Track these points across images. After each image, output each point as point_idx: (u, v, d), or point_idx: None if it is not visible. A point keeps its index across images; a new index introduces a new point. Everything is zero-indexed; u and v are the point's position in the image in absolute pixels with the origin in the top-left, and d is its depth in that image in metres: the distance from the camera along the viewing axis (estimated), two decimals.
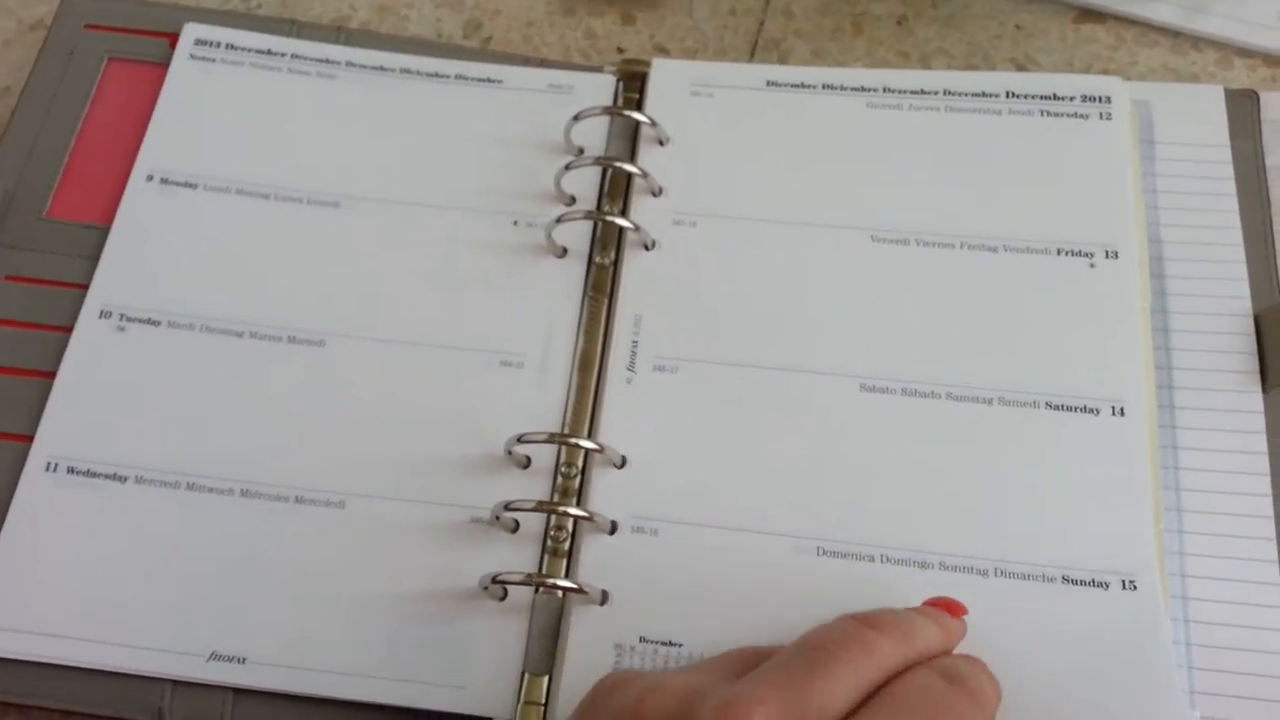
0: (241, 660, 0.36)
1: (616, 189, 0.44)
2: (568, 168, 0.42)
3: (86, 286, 0.41)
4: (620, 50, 0.48)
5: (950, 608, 0.34)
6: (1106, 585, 0.35)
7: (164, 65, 0.45)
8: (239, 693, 0.36)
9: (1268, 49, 0.46)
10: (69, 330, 0.40)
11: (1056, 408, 0.38)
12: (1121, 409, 0.38)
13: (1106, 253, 0.40)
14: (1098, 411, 0.38)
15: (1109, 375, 0.39)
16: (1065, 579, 0.35)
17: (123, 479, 0.38)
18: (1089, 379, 0.38)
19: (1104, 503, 0.37)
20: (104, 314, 0.41)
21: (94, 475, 0.38)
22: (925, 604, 0.34)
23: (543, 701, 0.35)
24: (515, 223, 0.43)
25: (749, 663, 0.30)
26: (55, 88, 0.45)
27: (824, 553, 0.36)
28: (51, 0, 0.48)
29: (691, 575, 0.36)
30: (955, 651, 0.33)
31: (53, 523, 0.38)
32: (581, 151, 0.44)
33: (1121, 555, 0.36)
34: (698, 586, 0.36)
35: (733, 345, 0.40)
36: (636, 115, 0.43)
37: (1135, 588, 0.35)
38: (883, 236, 0.42)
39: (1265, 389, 0.39)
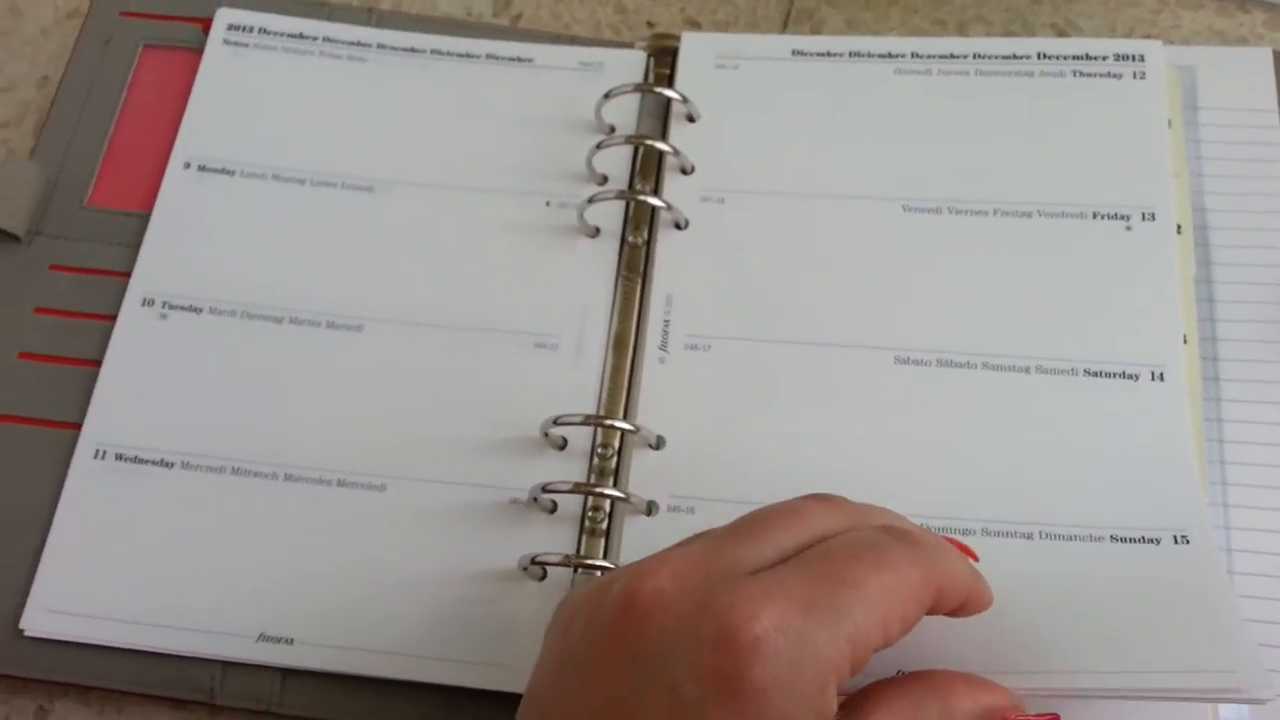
0: (290, 641, 0.36)
1: (648, 167, 0.43)
2: (599, 146, 0.42)
3: (128, 274, 0.42)
4: (650, 25, 0.48)
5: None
6: (1158, 540, 0.35)
7: (198, 51, 0.45)
8: (287, 673, 0.36)
9: None
10: (113, 319, 0.41)
11: (1095, 374, 0.38)
12: (1161, 374, 0.37)
13: (1144, 214, 0.40)
14: (1137, 377, 0.37)
15: (1147, 340, 0.38)
16: (1114, 538, 0.35)
17: (169, 465, 0.39)
18: (1127, 345, 0.38)
19: (1148, 467, 0.36)
20: (146, 302, 0.41)
21: (141, 462, 0.39)
22: None
23: None
24: (548, 203, 0.43)
25: None
26: (92, 76, 0.45)
27: None
28: None
29: None
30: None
31: (102, 509, 0.38)
32: (613, 130, 0.44)
33: (1170, 512, 0.35)
34: None
35: (763, 322, 0.40)
36: (667, 92, 0.43)
37: (1188, 541, 0.35)
38: (915, 206, 0.41)
39: None
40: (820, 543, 0.28)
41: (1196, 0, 0.45)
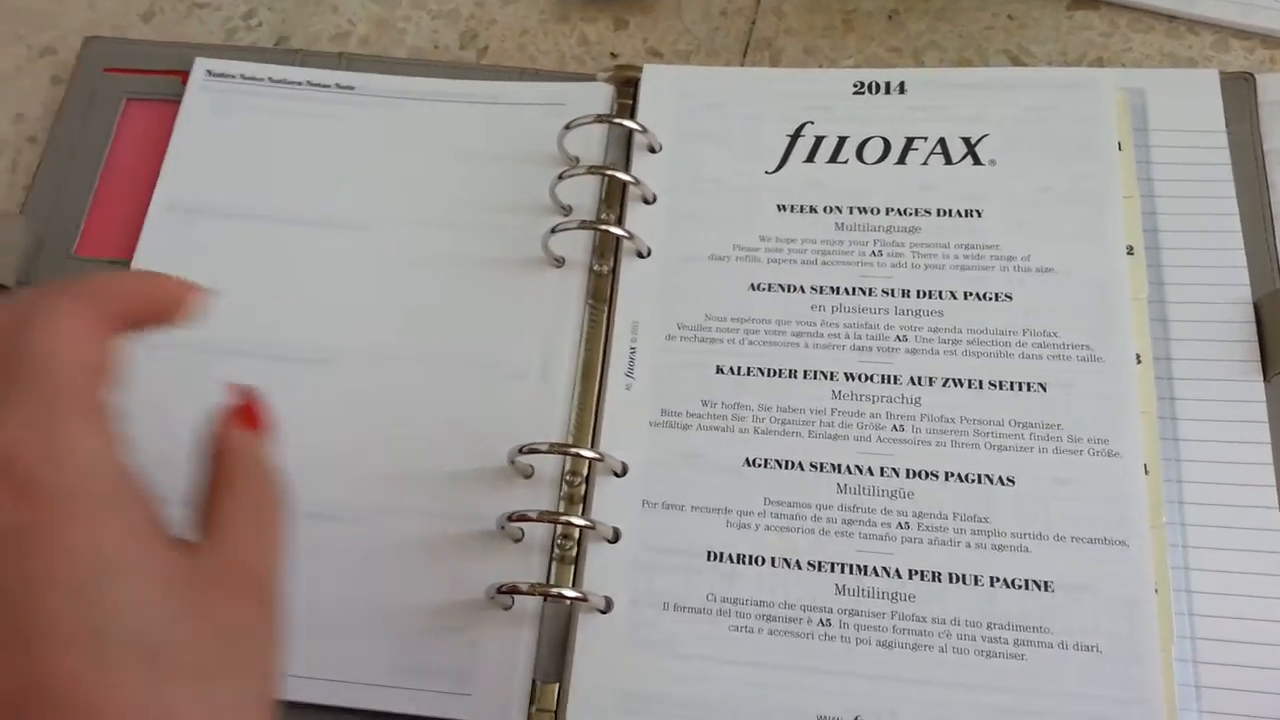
0: None
1: (612, 197, 0.44)
2: (561, 177, 0.42)
3: None
4: (614, 55, 0.49)
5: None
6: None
7: (178, 101, 0.47)
8: None
9: (1266, 29, 0.45)
10: None
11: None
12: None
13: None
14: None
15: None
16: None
17: None
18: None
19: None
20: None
21: None
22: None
23: (554, 709, 0.36)
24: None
25: None
26: (78, 131, 0.47)
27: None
28: (59, 26, 0.50)
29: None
30: None
31: None
32: (577, 161, 0.45)
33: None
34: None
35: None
36: (627, 123, 0.44)
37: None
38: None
39: (1266, 377, 0.39)
40: None
41: (1147, 24, 0.46)
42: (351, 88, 0.47)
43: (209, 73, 0.47)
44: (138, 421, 0.41)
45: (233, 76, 0.47)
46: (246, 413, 0.32)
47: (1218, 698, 0.35)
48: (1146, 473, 0.37)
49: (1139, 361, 0.39)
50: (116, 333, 0.28)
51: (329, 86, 0.47)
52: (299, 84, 0.47)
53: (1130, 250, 0.40)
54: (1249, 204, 0.41)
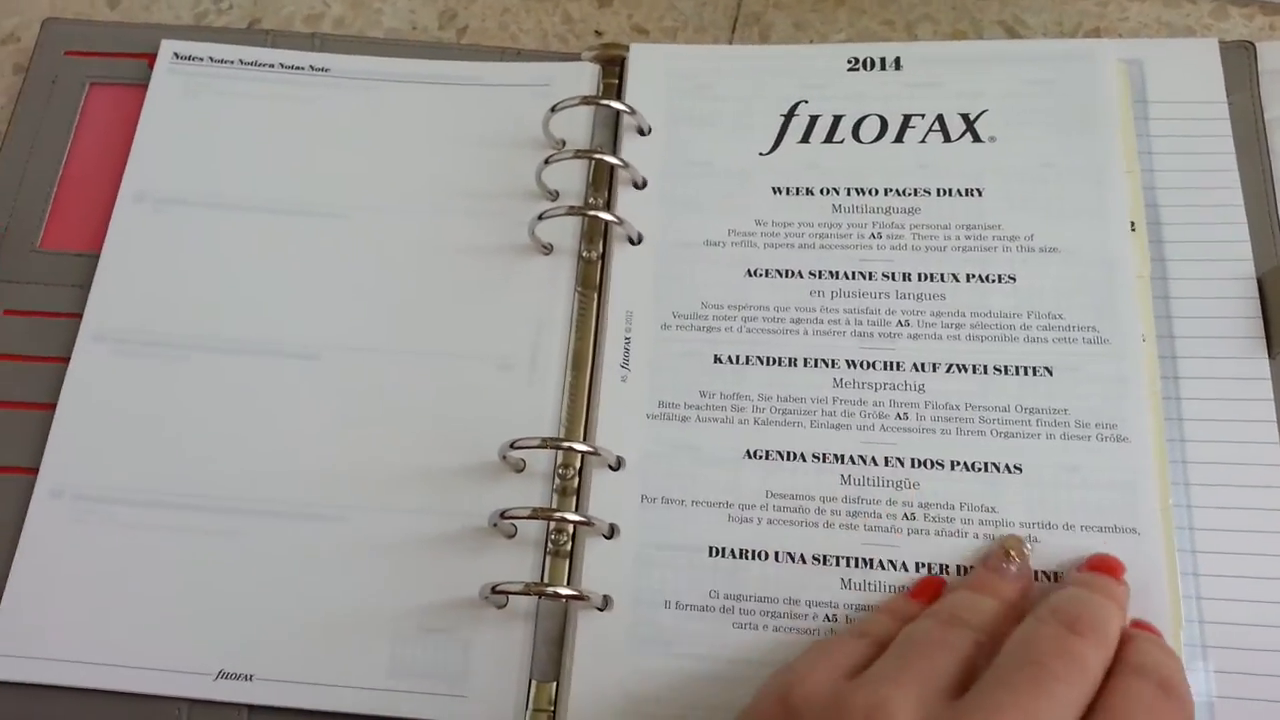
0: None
1: (600, 181, 0.43)
2: (547, 162, 0.41)
3: (82, 315, 0.42)
4: (598, 33, 0.47)
5: (1111, 568, 0.34)
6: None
7: (145, 86, 0.45)
8: (253, 709, 0.36)
9: None
10: (67, 360, 0.41)
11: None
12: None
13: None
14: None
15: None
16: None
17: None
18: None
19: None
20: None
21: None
22: (1087, 566, 0.34)
23: (551, 708, 0.35)
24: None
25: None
26: (40, 118, 0.45)
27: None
28: (23, 13, 0.48)
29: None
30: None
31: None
32: (563, 144, 0.43)
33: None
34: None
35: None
36: (614, 104, 0.42)
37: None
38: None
39: (1271, 354, 0.38)
40: (1109, 699, 0.29)
41: None
42: (326, 70, 0.45)
43: (176, 55, 0.46)
44: (125, 422, 0.40)
45: (201, 59, 0.46)
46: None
47: (1227, 681, 0.34)
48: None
49: (1143, 340, 0.38)
50: None
51: (302, 69, 0.46)
52: (271, 66, 0.46)
53: (1132, 227, 0.39)
54: (1251, 176, 0.40)
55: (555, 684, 0.36)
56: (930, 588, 0.35)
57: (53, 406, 0.40)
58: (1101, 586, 0.33)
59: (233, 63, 0.46)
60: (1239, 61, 0.42)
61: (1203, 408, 0.38)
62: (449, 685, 0.36)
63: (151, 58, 0.46)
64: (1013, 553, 0.34)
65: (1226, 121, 0.41)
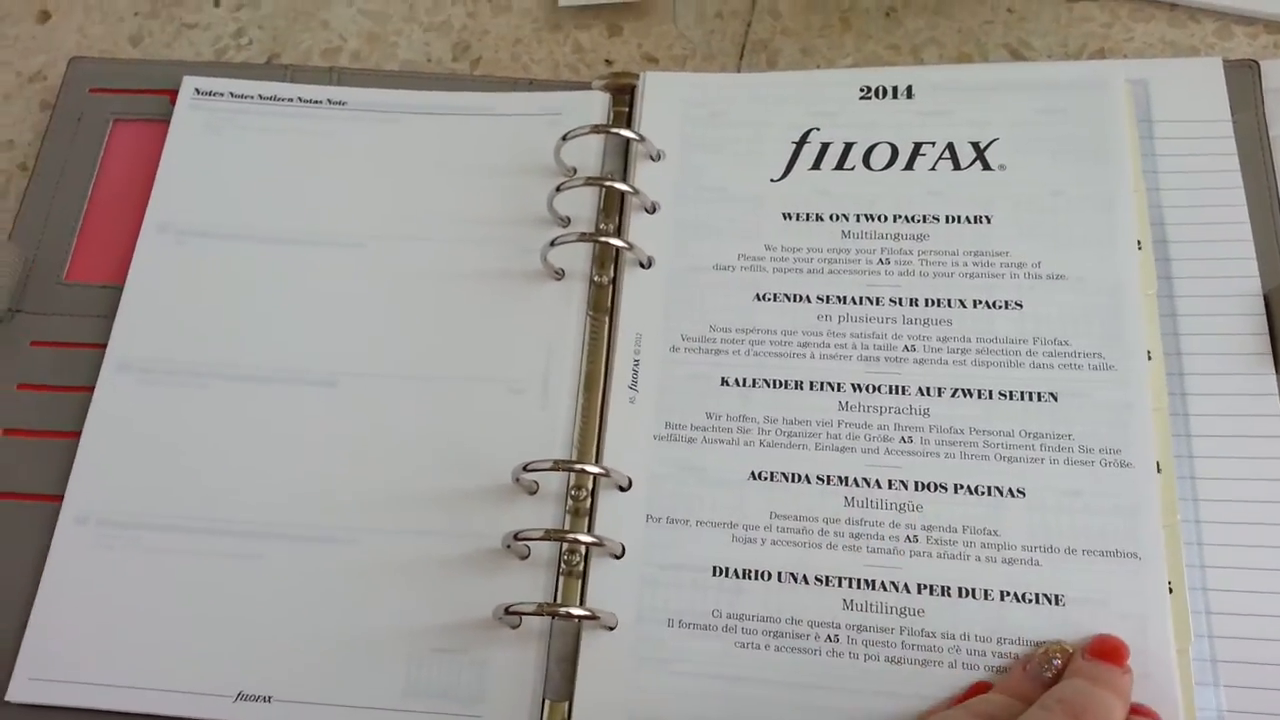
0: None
1: (611, 207, 0.44)
2: (559, 189, 0.42)
3: (106, 345, 0.43)
4: (608, 62, 0.48)
5: (1116, 654, 0.34)
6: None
7: (167, 121, 0.47)
8: None
9: (1269, 14, 0.45)
10: (92, 390, 0.42)
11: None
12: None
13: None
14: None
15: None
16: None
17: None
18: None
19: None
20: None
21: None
22: (1091, 651, 0.34)
23: None
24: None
25: None
26: (65, 154, 0.47)
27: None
28: (49, 51, 0.50)
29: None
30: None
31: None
32: (575, 172, 0.44)
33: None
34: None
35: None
36: (624, 132, 0.43)
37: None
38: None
39: (1278, 369, 0.38)
40: None
41: (1148, 13, 0.45)
42: (343, 103, 0.47)
43: (198, 91, 0.47)
44: (148, 449, 0.41)
45: (222, 94, 0.47)
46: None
47: (1238, 696, 0.34)
48: (1159, 471, 0.36)
49: (1149, 358, 0.38)
50: None
51: (320, 102, 0.47)
52: (290, 100, 0.47)
53: (1139, 245, 0.40)
54: (1256, 193, 0.40)
55: (569, 703, 0.36)
56: (975, 693, 0.35)
57: (78, 435, 0.41)
58: (1106, 680, 0.33)
59: (252, 98, 0.47)
60: (1243, 80, 0.42)
61: (1210, 424, 0.38)
62: (464, 705, 0.36)
63: (173, 94, 0.47)
64: (1055, 659, 0.34)
65: (1231, 140, 0.41)
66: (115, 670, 0.38)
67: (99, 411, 0.42)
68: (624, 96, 0.46)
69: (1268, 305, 0.39)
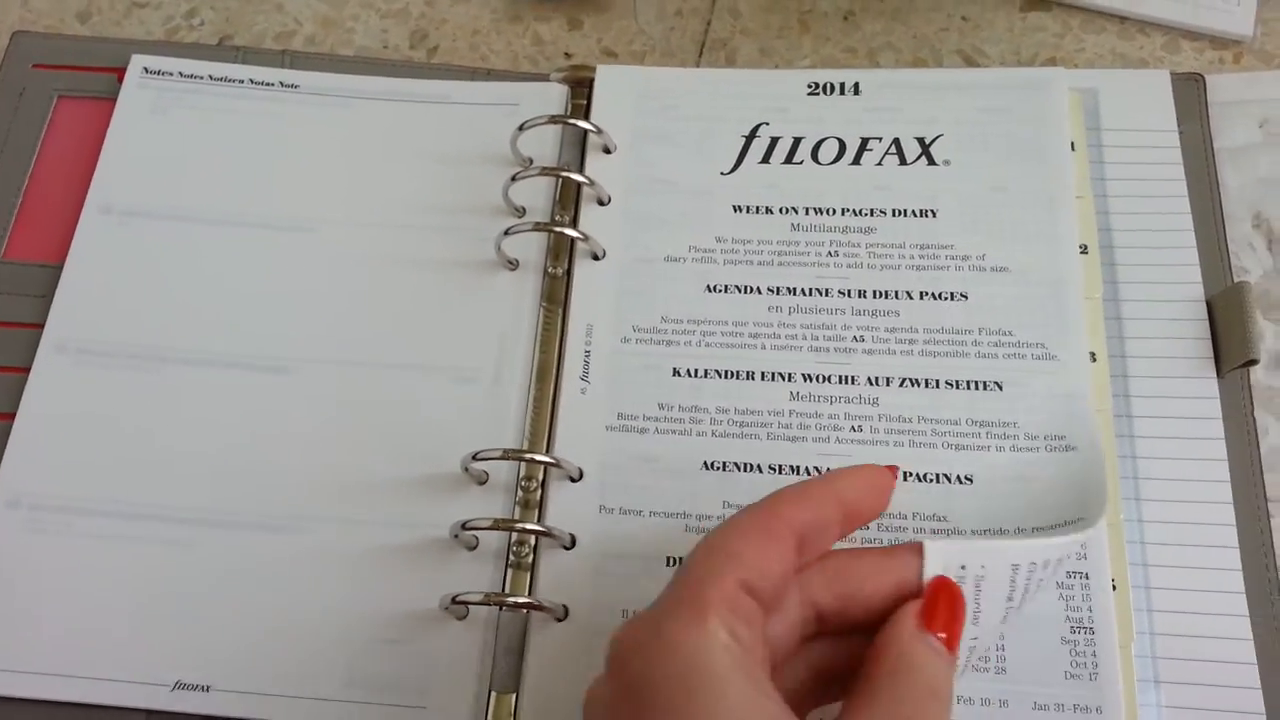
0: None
1: (567, 199, 0.44)
2: (514, 179, 0.42)
3: (44, 325, 0.41)
4: (568, 55, 0.48)
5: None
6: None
7: (114, 100, 0.45)
8: None
9: (1215, 31, 0.46)
10: (28, 370, 0.41)
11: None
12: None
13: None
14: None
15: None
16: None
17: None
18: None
19: None
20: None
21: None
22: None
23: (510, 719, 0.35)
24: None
25: None
26: (6, 130, 0.45)
27: None
28: None
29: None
30: None
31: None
32: (530, 162, 0.44)
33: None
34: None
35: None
36: (581, 124, 0.43)
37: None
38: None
39: (1220, 374, 0.39)
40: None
41: (1099, 25, 0.46)
42: (296, 86, 0.46)
43: (146, 70, 0.46)
44: (85, 433, 0.40)
45: (171, 74, 0.46)
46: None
47: (1177, 691, 0.35)
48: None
49: (1094, 360, 0.39)
50: None
51: (272, 85, 0.46)
52: (241, 82, 0.46)
53: (1084, 249, 0.40)
54: (1200, 203, 0.41)
55: (515, 695, 0.36)
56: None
57: (12, 417, 0.40)
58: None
59: (203, 78, 0.46)
60: (1189, 93, 0.43)
61: (1154, 425, 0.38)
62: (408, 696, 0.36)
63: (121, 72, 0.46)
64: None
65: (1178, 150, 0.42)
66: (47, 659, 0.36)
67: (34, 393, 0.40)
68: (582, 90, 0.45)
69: (1210, 311, 0.40)
